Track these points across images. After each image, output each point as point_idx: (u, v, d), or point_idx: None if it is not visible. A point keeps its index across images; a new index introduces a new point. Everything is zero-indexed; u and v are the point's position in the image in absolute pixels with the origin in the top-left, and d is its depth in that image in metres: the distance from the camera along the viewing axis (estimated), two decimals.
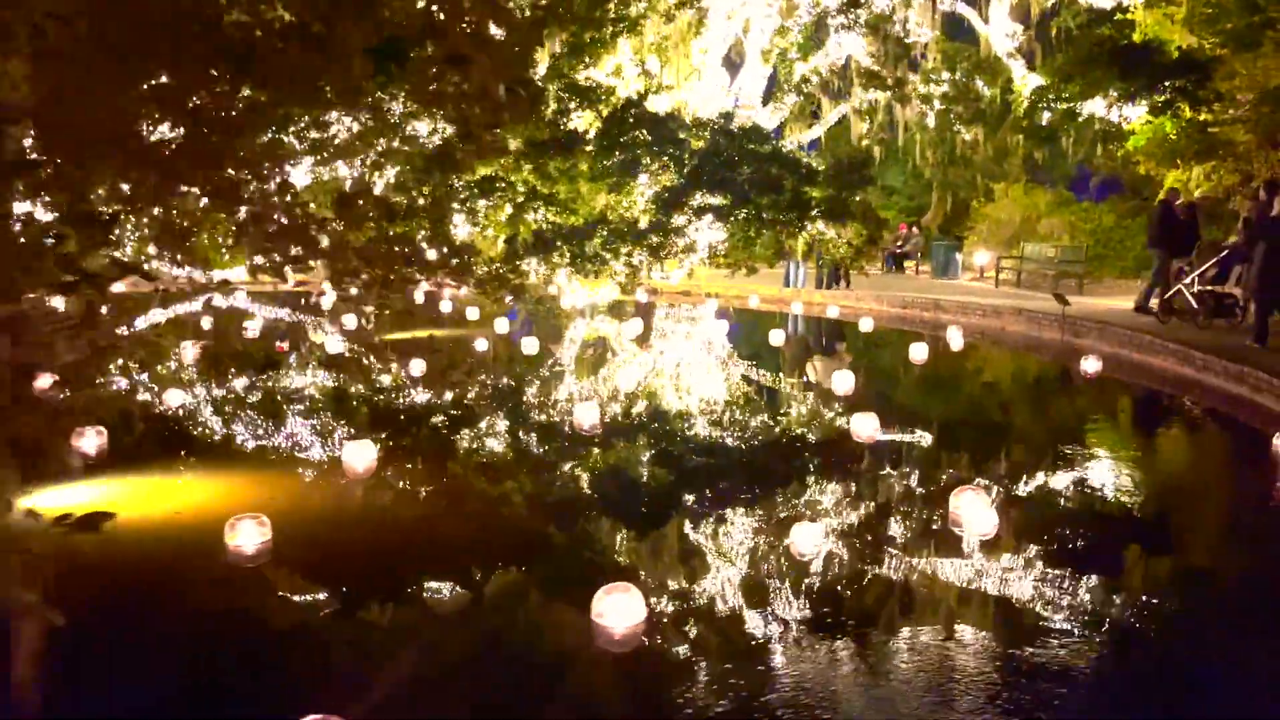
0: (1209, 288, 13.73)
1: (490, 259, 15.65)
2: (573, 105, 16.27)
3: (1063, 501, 6.74)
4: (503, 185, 15.10)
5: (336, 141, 15.92)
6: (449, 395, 10.73)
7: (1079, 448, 8.24)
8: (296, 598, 5.15)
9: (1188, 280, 14.03)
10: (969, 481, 6.99)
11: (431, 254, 14.08)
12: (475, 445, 8.57)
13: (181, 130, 16.57)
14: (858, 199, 16.69)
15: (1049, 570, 5.35)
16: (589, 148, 16.01)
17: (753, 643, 4.43)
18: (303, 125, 16.09)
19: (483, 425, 9.25)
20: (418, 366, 11.99)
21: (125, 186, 15.94)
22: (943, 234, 32.79)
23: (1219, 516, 6.74)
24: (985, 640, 4.50)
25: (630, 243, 15.23)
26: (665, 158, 15.59)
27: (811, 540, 5.60)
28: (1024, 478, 7.29)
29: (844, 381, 10.96)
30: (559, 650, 4.49)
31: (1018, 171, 30.11)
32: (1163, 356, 12.22)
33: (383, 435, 8.67)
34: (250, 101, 17.83)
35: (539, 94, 15.38)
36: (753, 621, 4.66)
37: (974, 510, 6.08)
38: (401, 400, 10.63)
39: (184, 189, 15.74)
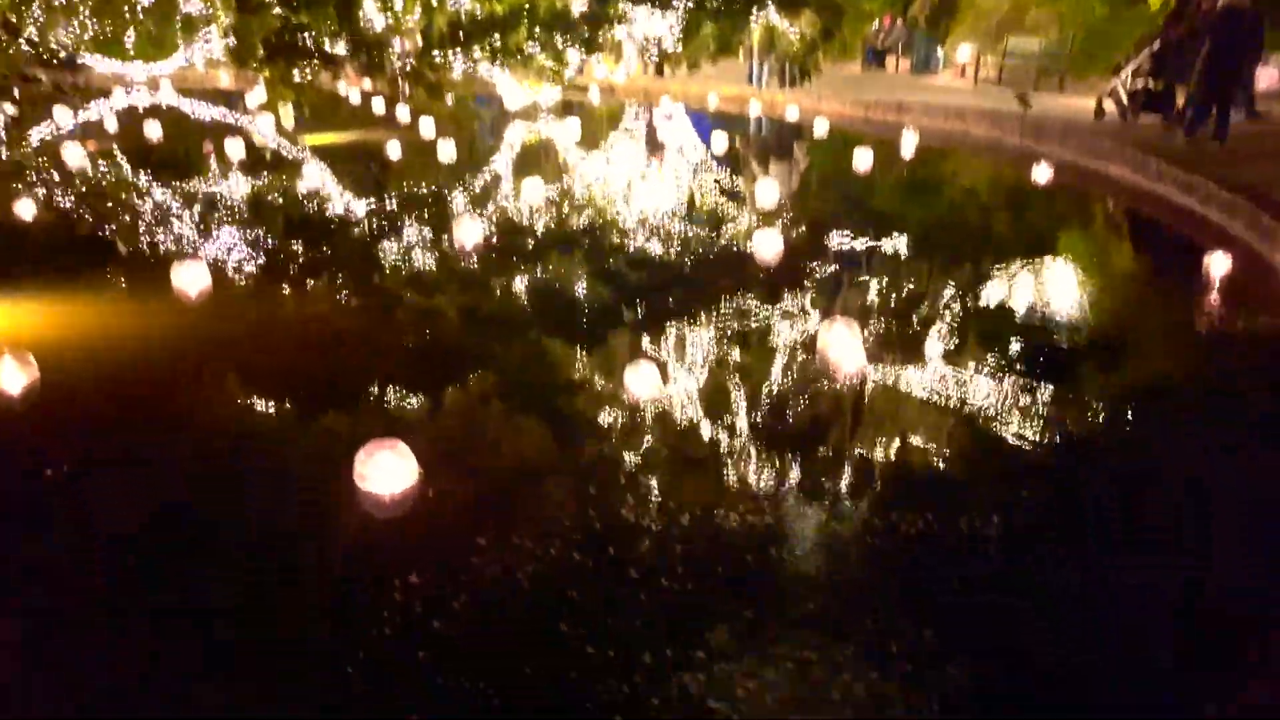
0: (1141, 82, 12.81)
1: (403, 53, 14.38)
2: None
3: (951, 328, 6.12)
4: None
5: None
6: (329, 208, 9.90)
7: (993, 266, 7.56)
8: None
9: (1122, 75, 13.09)
10: (860, 307, 6.37)
11: (341, 48, 12.94)
12: (323, 264, 7.81)
13: None
14: None
15: (934, 402, 4.82)
16: None
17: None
18: None
19: (341, 243, 8.47)
20: (313, 175, 11.08)
21: None
22: (931, 26, 30.69)
23: (1121, 337, 6.13)
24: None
25: (559, 35, 13.84)
26: None
27: (648, 382, 5.01)
28: (925, 299, 6.65)
29: (768, 193, 10.14)
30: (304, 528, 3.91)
31: None
32: (1119, 164, 11.32)
33: (231, 252, 7.94)
34: None
35: None
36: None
37: (842, 345, 5.47)
38: (279, 212, 9.76)
39: None
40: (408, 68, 13.83)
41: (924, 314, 6.43)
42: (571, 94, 21.19)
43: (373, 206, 9.88)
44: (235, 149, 12.71)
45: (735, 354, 5.70)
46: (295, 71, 13.56)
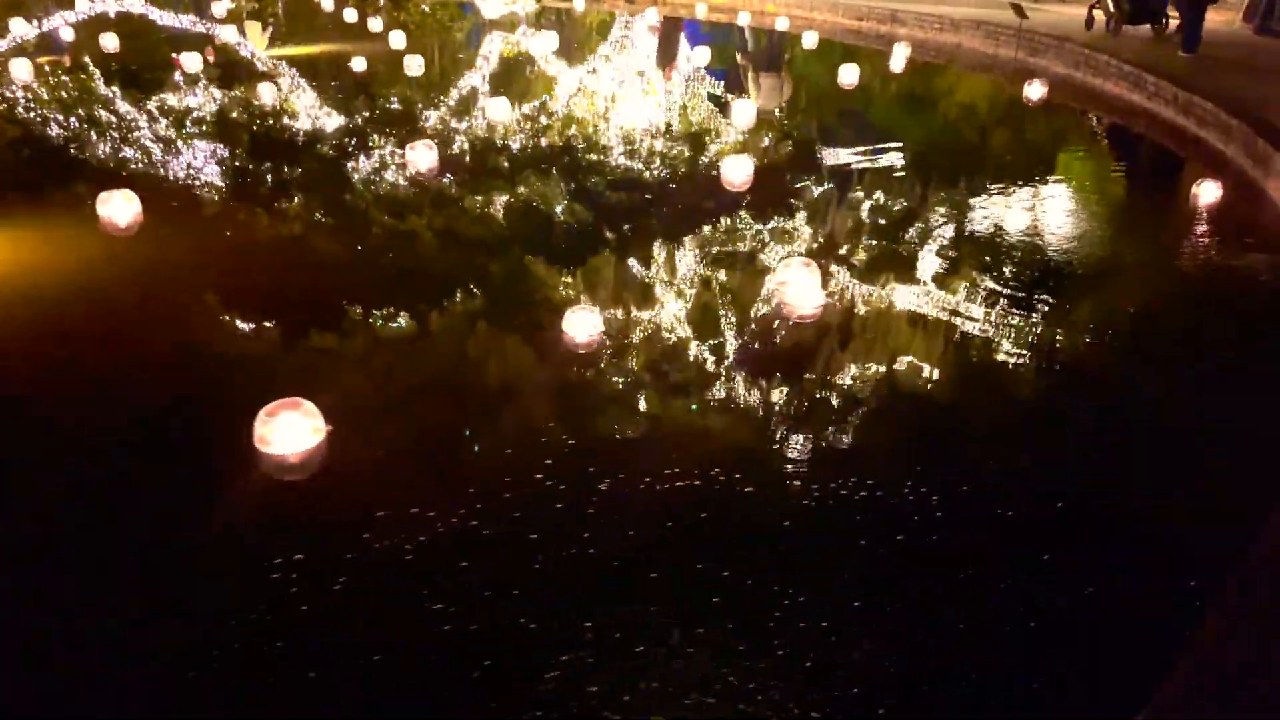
0: None
1: None
2: None
3: (917, 257, 5.78)
4: None
5: None
6: (283, 126, 9.40)
7: (969, 193, 7.16)
8: None
9: None
10: (822, 237, 6.03)
11: None
12: (268, 185, 7.37)
13: None
14: None
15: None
16: None
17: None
18: None
19: (287, 163, 8.00)
20: (268, 91, 10.53)
21: None
22: None
23: (1096, 272, 5.78)
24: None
25: None
26: None
27: (586, 328, 4.70)
28: (892, 228, 6.29)
29: (744, 113, 9.66)
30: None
31: None
32: (1115, 80, 10.79)
33: (177, 174, 7.54)
34: None
35: None
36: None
37: (800, 285, 5.15)
38: (232, 131, 9.25)
39: None
40: None
41: (888, 244, 6.08)
42: (555, 3, 20.35)
43: (326, 125, 9.39)
44: (192, 62, 12.12)
45: (688, 290, 5.37)
46: None
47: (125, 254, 6.02)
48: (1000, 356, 4.66)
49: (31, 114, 9.78)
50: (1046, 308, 5.15)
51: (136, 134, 9.00)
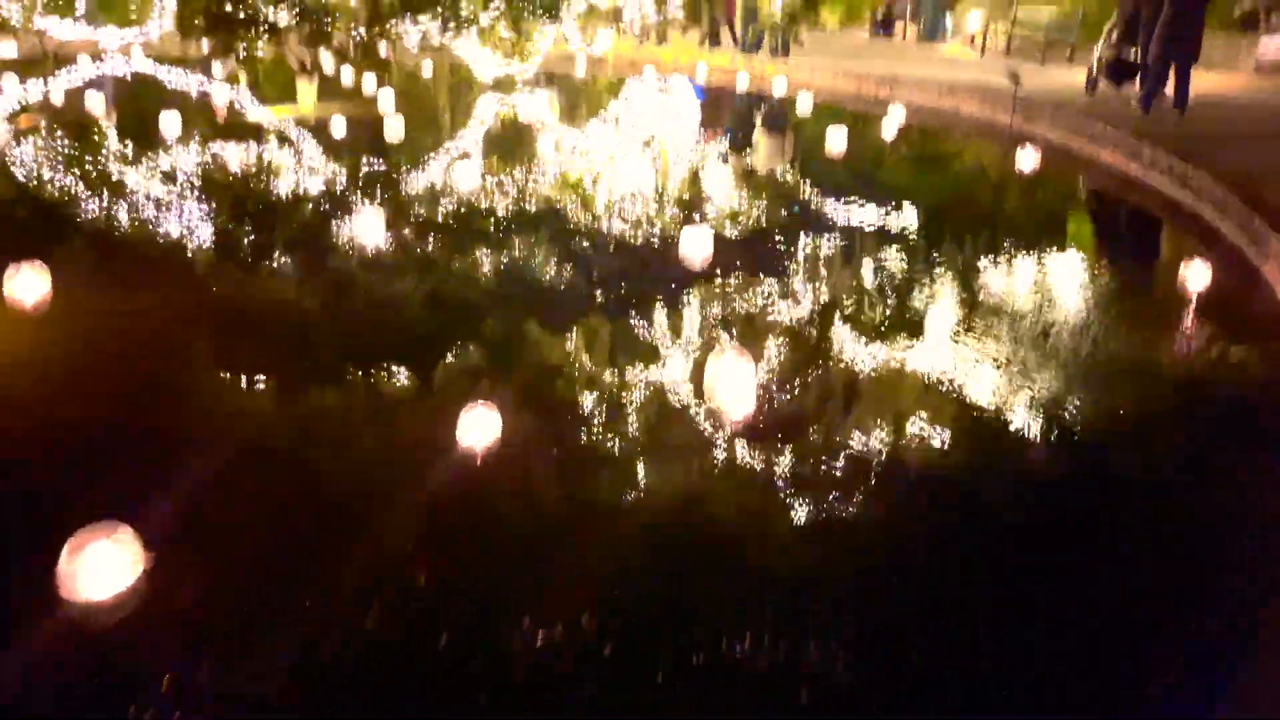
0: (1115, 52, 12.06)
1: (352, 23, 13.50)
2: None
3: (875, 349, 5.30)
4: None
5: None
6: (256, 185, 9.10)
7: (944, 275, 6.69)
8: None
9: (1100, 45, 12.32)
10: (758, 327, 5.56)
11: (285, 16, 12.09)
12: (231, 246, 7.02)
13: None
14: None
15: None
16: None
17: None
18: None
19: (247, 224, 7.67)
20: (234, 155, 10.27)
21: None
22: None
23: (1079, 366, 5.26)
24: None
25: (516, 3, 12.89)
26: None
27: (483, 430, 4.23)
28: (853, 316, 5.82)
29: (717, 182, 9.28)
30: None
31: None
32: (1111, 149, 10.35)
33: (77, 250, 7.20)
34: None
35: None
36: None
37: (731, 384, 4.66)
38: (206, 191, 8.95)
39: None
40: (357, 38, 12.96)
41: (842, 333, 5.60)
42: (555, 64, 20.27)
43: (271, 192, 9.11)
44: (171, 124, 11.92)
45: (602, 388, 4.90)
46: (237, 41, 12.74)
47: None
48: (952, 472, 4.15)
49: None
50: (1007, 417, 4.64)
51: (104, 195, 8.72)
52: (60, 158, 10.56)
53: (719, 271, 6.66)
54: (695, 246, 7.01)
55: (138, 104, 15.48)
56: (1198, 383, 5.14)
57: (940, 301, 6.18)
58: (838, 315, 5.92)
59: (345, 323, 5.88)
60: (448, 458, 4.11)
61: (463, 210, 8.46)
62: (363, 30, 13.04)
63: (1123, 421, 4.62)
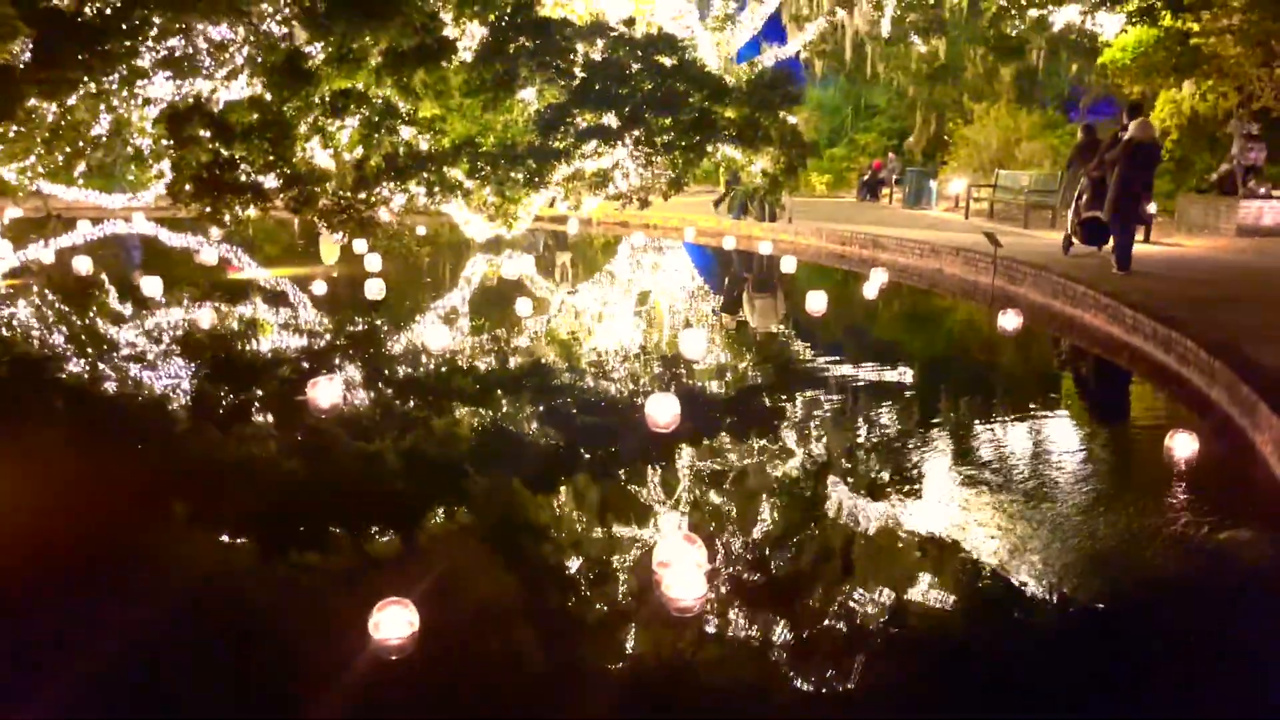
0: (1088, 214, 12.51)
1: (339, 188, 13.74)
2: (450, 7, 14.00)
3: (829, 543, 4.91)
4: (355, 102, 13.00)
5: (193, 52, 13.94)
6: (236, 346, 8.92)
7: (918, 446, 6.37)
8: None
9: (1073, 209, 12.89)
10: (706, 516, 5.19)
11: (272, 180, 12.26)
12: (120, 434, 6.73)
13: (25, 40, 14.20)
14: (779, 120, 14.43)
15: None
16: (465, 59, 13.84)
17: None
18: (155, 33, 14.08)
19: (217, 383, 7.43)
20: (207, 317, 10.15)
21: None
22: (927, 159, 30.38)
23: (1059, 549, 4.84)
24: None
25: (501, 169, 13.13)
26: (550, 70, 13.38)
27: (397, 626, 3.81)
28: (822, 489, 5.45)
29: (693, 344, 9.10)
30: None
31: (1008, 90, 27.54)
32: (1093, 311, 10.23)
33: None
34: (107, 5, 15.07)
35: None
36: None
37: (681, 568, 4.27)
38: (175, 353, 8.77)
39: (34, 103, 13.61)
40: (340, 202, 13.15)
41: (801, 515, 5.23)
42: (547, 225, 20.65)
43: (279, 344, 8.95)
44: (151, 285, 11.90)
45: (536, 570, 4.50)
46: (224, 206, 12.92)
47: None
48: (938, 649, 3.71)
49: None
50: (972, 610, 4.22)
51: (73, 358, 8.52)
52: (50, 318, 10.49)
53: (690, 435, 6.35)
54: (662, 412, 6.73)
55: (134, 265, 15.64)
56: (1194, 553, 4.73)
57: (917, 466, 5.83)
58: (808, 480, 5.57)
59: (304, 483, 5.53)
60: (361, 652, 3.69)
61: (444, 369, 8.27)
62: (346, 194, 13.23)
63: (1119, 596, 4.20)
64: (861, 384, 8.08)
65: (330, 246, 15.27)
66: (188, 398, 7.51)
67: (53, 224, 21.84)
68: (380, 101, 13.07)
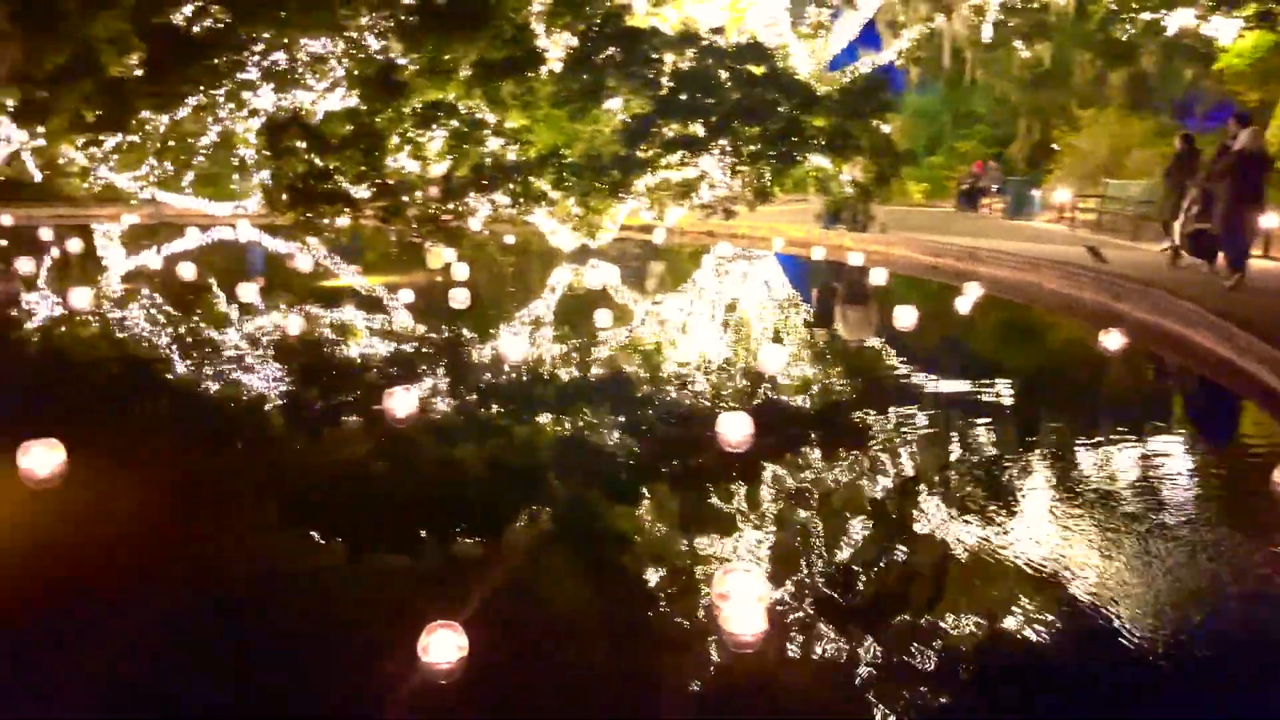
0: (1197, 226, 12.10)
1: (427, 198, 13.94)
2: (541, 18, 14.08)
3: (908, 579, 4.66)
4: (445, 113, 13.18)
5: (294, 66, 14.39)
6: (324, 352, 9.10)
7: (1019, 472, 6.03)
8: None
9: (1181, 221, 12.46)
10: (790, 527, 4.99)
11: (363, 191, 12.55)
12: (209, 440, 6.86)
13: (140, 58, 14.95)
14: (872, 128, 14.07)
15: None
16: (554, 70, 13.91)
17: None
18: (261, 47, 14.60)
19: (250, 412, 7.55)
20: (293, 325, 10.38)
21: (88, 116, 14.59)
22: (1030, 167, 29.33)
23: (1168, 599, 4.48)
24: None
25: (585, 179, 13.12)
26: (637, 80, 13.33)
27: (447, 649, 3.74)
28: (909, 516, 5.20)
29: (773, 358, 8.89)
30: None
31: (1119, 95, 26.35)
32: (1201, 330, 9.63)
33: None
34: (217, 22, 15.81)
35: (494, 4, 13.33)
36: None
37: (740, 600, 4.10)
38: (270, 357, 8.99)
39: (146, 115, 14.34)
40: (429, 212, 13.35)
41: (878, 547, 4.99)
42: (634, 235, 20.61)
43: (369, 349, 9.15)
44: (249, 291, 12.28)
45: (588, 594, 4.39)
46: (318, 215, 13.26)
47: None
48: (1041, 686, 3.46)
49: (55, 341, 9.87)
50: (1066, 649, 3.93)
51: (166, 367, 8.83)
52: (153, 321, 10.94)
53: (763, 455, 6.17)
54: (734, 430, 6.55)
55: (234, 271, 16.20)
56: None
57: (1009, 491, 5.52)
58: (887, 506, 5.32)
59: (366, 494, 5.56)
60: (412, 674, 3.63)
61: (518, 380, 8.28)
62: (434, 205, 13.42)
63: (1222, 635, 3.86)
64: (949, 403, 7.74)
65: (436, 253, 15.53)
66: (265, 404, 7.67)
67: (163, 231, 22.85)
68: (468, 112, 13.21)
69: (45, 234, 20.15)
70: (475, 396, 7.85)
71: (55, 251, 17.69)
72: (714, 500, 5.50)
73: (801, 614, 4.14)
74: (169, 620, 4.11)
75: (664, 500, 5.59)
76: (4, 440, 5.85)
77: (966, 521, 5.15)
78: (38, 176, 21.68)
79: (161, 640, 3.95)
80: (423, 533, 5.07)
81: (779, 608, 4.15)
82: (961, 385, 8.48)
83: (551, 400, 7.74)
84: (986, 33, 19.29)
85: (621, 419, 7.19)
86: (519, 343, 9.37)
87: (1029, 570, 4.56)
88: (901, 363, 9.45)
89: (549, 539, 5.07)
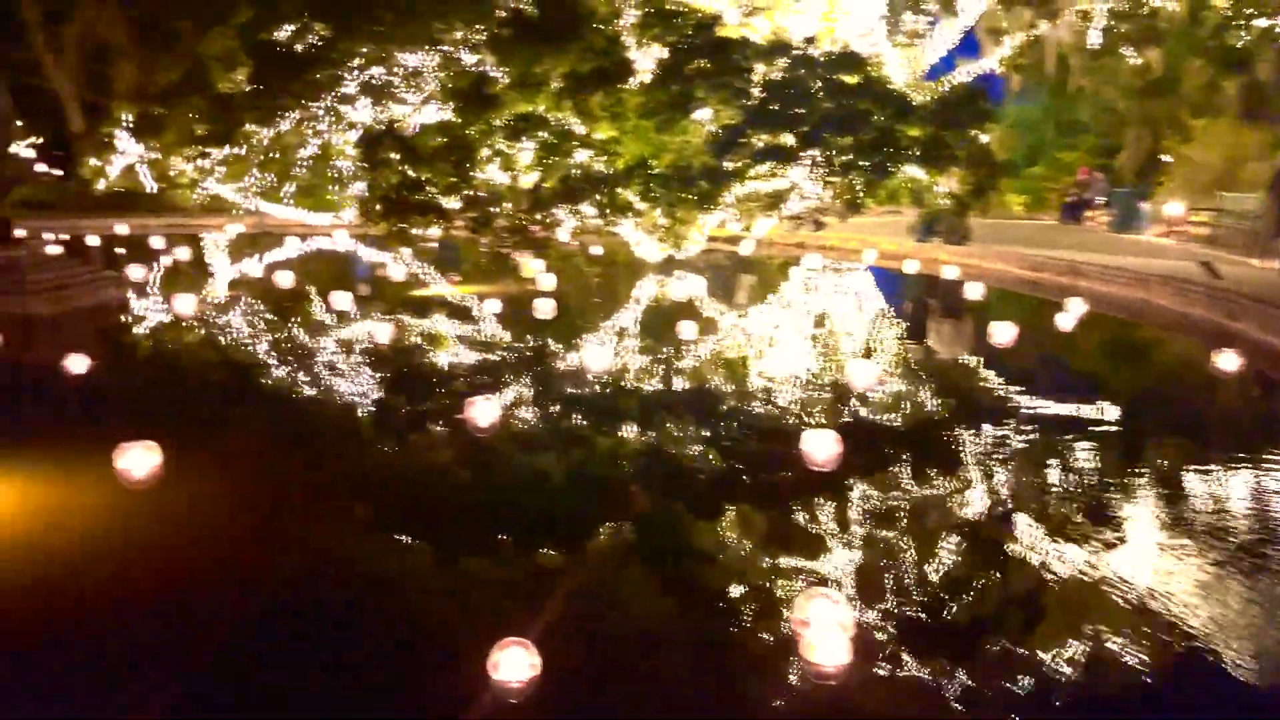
0: None
1: (515, 209, 14.04)
2: (633, 30, 14.10)
3: (1000, 613, 4.40)
4: (534, 125, 13.26)
5: (393, 79, 14.73)
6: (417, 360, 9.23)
7: (1126, 516, 5.68)
8: None
9: None
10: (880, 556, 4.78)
11: (453, 202, 12.73)
12: (307, 443, 6.96)
13: (247, 72, 15.63)
14: (968, 138, 13.64)
15: None
16: (644, 81, 13.88)
17: None
18: (360, 62, 15.00)
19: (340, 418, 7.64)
20: (383, 333, 10.53)
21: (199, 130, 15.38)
22: (1139, 179, 28.11)
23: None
24: None
25: (673, 190, 13.04)
26: (726, 90, 13.20)
27: (519, 668, 3.67)
28: (990, 553, 4.94)
29: (863, 373, 8.63)
30: None
31: (1233, 104, 25.08)
32: None
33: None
34: (319, 39, 16.42)
35: (585, 17, 13.39)
36: None
37: (822, 628, 3.92)
38: (352, 365, 9.16)
39: (250, 128, 14.99)
40: (517, 223, 13.45)
41: (978, 571, 4.74)
42: (721, 247, 20.44)
43: (458, 358, 9.26)
44: (342, 299, 12.56)
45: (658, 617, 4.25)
46: (409, 225, 13.50)
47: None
48: None
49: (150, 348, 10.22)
50: (1168, 690, 3.65)
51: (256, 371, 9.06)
52: (251, 327, 11.29)
53: (849, 476, 5.97)
54: (820, 449, 6.35)
55: (333, 277, 16.63)
56: None
57: (1111, 519, 5.19)
58: (980, 533, 5.07)
59: (440, 504, 5.56)
60: (484, 692, 3.56)
61: (599, 391, 8.23)
62: (521, 215, 13.52)
63: None
64: (1048, 424, 7.38)
65: (527, 264, 15.66)
66: (352, 410, 7.78)
67: (265, 240, 23.64)
68: (558, 124, 13.28)
69: (157, 242, 21.10)
70: (555, 406, 7.81)
71: (165, 259, 18.45)
72: (797, 519, 5.32)
73: (887, 646, 3.94)
74: (222, 624, 4.13)
75: (745, 518, 5.45)
76: (104, 442, 6.02)
77: (1063, 553, 4.86)
78: (152, 188, 22.67)
79: (211, 645, 3.97)
80: (499, 542, 5.04)
81: (863, 638, 3.95)
82: (1062, 405, 8.08)
83: (631, 412, 7.64)
84: (1093, 39, 18.55)
85: (704, 433, 7.06)
86: (601, 353, 9.32)
87: (1131, 603, 4.26)
88: (998, 381, 9.09)
89: (624, 554, 4.97)
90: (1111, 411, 8.02)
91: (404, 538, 5.12)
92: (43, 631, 4.02)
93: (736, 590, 4.47)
